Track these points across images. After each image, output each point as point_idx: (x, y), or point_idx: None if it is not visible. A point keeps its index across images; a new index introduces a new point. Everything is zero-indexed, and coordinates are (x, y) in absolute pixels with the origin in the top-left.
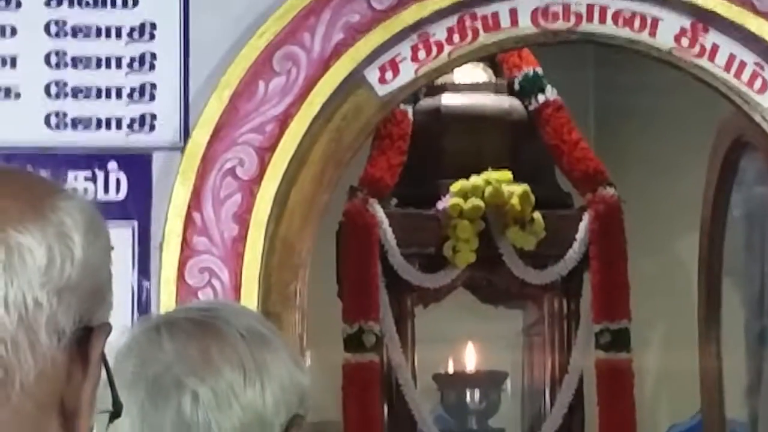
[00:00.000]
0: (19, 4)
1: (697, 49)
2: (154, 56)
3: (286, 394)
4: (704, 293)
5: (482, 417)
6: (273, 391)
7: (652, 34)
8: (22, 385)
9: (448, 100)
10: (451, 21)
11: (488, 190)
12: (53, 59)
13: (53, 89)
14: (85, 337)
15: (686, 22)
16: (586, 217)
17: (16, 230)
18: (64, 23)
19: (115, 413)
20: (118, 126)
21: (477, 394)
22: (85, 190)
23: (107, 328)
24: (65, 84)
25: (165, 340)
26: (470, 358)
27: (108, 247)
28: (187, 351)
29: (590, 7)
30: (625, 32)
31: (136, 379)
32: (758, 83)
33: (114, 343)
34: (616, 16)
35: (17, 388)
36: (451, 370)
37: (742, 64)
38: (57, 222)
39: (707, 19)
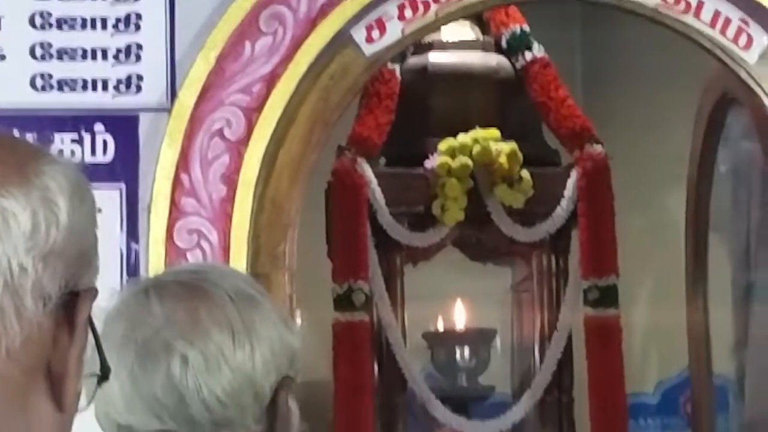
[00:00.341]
0: None
1: (682, 5)
2: (139, 17)
3: (276, 355)
4: (691, 249)
5: (472, 374)
6: (262, 353)
7: None
8: (8, 351)
9: (436, 58)
10: None
11: (476, 148)
12: (38, 21)
13: (38, 51)
14: (72, 302)
15: None
16: (573, 175)
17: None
18: None
19: (103, 376)
20: (104, 87)
21: (467, 351)
22: (72, 152)
23: (93, 293)
24: (50, 45)
25: (154, 303)
26: (460, 316)
27: (93, 212)
28: (175, 314)
29: None
30: None
31: (125, 342)
32: (743, 39)
33: (104, 306)
34: None
35: (3, 354)
36: (441, 328)
37: (728, 21)
38: (41, 186)
39: None
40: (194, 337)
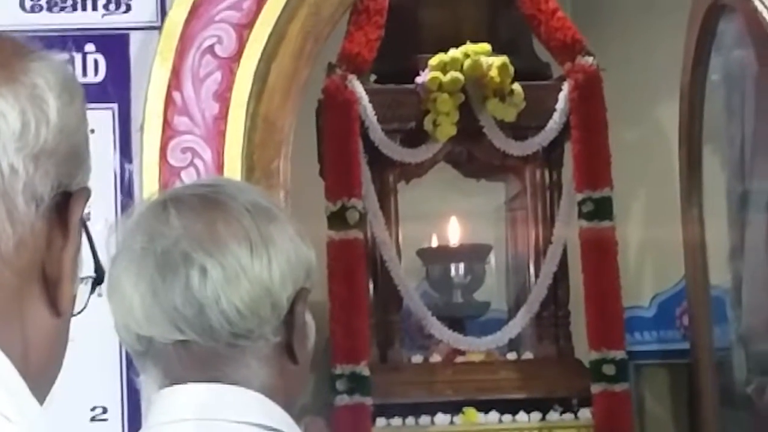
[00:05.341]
0: None
1: None
2: None
3: (293, 267)
4: (686, 159)
5: (467, 291)
6: (279, 265)
7: None
8: (0, 254)
9: None
10: None
11: (467, 62)
12: None
13: None
14: (64, 203)
15: None
16: (565, 87)
17: None
18: None
19: (98, 279)
20: (94, 7)
21: (461, 268)
22: None
23: (86, 193)
24: None
25: (172, 215)
26: (454, 233)
27: (83, 109)
28: (194, 226)
29: None
30: None
31: (144, 254)
32: None
33: (101, 234)
34: None
35: None
36: (435, 246)
37: None
38: (29, 84)
39: None
40: (212, 249)
